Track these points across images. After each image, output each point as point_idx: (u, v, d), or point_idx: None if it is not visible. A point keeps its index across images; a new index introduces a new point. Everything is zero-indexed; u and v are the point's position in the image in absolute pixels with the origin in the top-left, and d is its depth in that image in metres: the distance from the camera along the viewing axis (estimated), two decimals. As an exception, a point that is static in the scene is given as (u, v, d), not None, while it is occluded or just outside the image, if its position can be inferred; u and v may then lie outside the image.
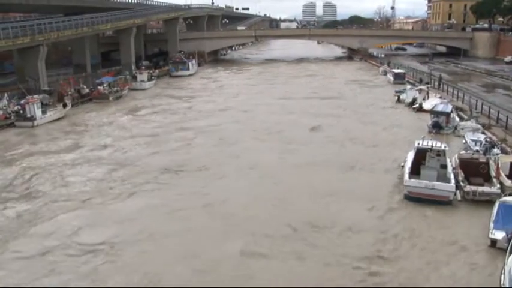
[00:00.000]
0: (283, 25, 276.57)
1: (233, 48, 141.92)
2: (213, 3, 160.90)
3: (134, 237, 20.11)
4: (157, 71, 77.26)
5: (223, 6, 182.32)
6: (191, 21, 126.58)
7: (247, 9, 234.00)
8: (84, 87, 55.74)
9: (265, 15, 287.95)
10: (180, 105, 53.36)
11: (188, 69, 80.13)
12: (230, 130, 39.97)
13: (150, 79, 66.65)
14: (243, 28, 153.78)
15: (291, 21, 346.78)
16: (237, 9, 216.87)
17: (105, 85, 55.60)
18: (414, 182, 23.79)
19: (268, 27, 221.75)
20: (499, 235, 18.72)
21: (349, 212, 22.70)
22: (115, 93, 55.83)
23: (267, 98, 56.41)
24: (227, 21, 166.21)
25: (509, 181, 24.14)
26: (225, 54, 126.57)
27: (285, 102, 52.71)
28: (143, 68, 72.09)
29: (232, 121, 43.76)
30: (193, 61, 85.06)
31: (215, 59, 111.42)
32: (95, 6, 73.84)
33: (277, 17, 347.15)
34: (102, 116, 46.47)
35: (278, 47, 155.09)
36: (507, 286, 14.51)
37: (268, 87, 65.22)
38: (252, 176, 28.19)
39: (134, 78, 65.65)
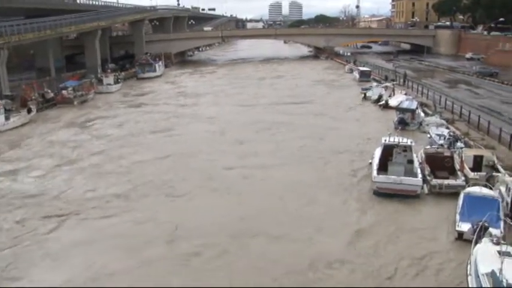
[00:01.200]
0: (249, 25, 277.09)
1: (200, 49, 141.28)
2: (178, 4, 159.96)
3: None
4: (123, 73, 76.12)
5: (190, 7, 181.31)
6: (157, 23, 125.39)
7: (214, 9, 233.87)
8: (49, 91, 54.40)
9: (231, 15, 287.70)
10: (140, 113, 49.61)
11: (155, 71, 79.39)
12: (191, 142, 36.11)
13: (116, 82, 65.67)
14: (210, 29, 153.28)
15: (257, 21, 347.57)
16: (203, 10, 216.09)
17: (69, 89, 54.43)
18: (382, 177, 24.25)
19: (235, 28, 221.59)
20: (465, 227, 19.22)
21: (320, 209, 22.97)
22: (80, 97, 54.75)
23: (233, 102, 54.42)
24: (193, 22, 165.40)
25: (473, 173, 24.82)
26: (191, 55, 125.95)
27: (251, 107, 50.74)
28: (109, 70, 71.01)
29: (194, 132, 39.66)
30: (160, 63, 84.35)
31: (182, 60, 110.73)
32: (58, 9, 72.50)
33: (244, 17, 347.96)
34: (44, 133, 40.61)
35: (245, 47, 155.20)
36: (473, 275, 14.86)
37: (234, 90, 63.52)
38: (212, 203, 24.40)
39: (100, 81, 64.57)
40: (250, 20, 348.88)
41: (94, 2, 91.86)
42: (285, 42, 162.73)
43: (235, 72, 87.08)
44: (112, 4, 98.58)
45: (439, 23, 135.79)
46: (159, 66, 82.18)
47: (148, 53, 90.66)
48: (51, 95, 54.01)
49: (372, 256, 18.53)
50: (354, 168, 28.86)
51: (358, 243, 19.65)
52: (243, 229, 20.70)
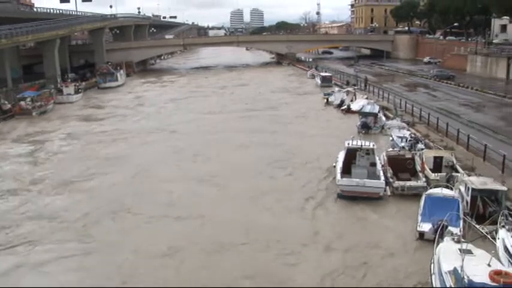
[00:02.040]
0: (211, 33, 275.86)
1: (162, 57, 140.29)
2: (139, 12, 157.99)
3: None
4: (84, 83, 74.75)
5: (151, 15, 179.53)
6: (118, 31, 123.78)
7: (175, 17, 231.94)
8: (6, 102, 52.88)
9: (193, 23, 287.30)
10: (98, 125, 47.38)
11: (116, 80, 78.20)
12: (148, 160, 33.10)
13: (77, 92, 64.32)
14: (171, 37, 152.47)
15: (219, 28, 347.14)
16: (164, 17, 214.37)
17: (28, 100, 52.96)
18: (346, 180, 24.55)
19: (197, 35, 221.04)
20: (426, 227, 19.62)
21: (284, 215, 22.98)
22: (39, 108, 53.27)
23: (194, 113, 51.81)
24: (155, 30, 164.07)
25: (434, 174, 25.44)
26: (153, 64, 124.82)
27: (214, 117, 48.78)
28: (69, 80, 69.63)
29: (152, 149, 36.39)
30: (122, 72, 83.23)
31: (144, 68, 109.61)
32: (13, 17, 70.53)
33: (205, 25, 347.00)
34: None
35: (207, 55, 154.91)
36: (437, 274, 15.15)
37: (197, 100, 61.61)
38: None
39: (60, 91, 63.16)
40: (212, 28, 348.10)
41: (52, 11, 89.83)
42: (247, 49, 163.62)
43: (198, 80, 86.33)
44: (71, 12, 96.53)
45: (399, 28, 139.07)
46: (121, 75, 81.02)
47: (109, 62, 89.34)
48: (9, 106, 52.46)
49: (335, 257, 18.69)
50: (318, 172, 29.05)
51: (322, 244, 19.80)
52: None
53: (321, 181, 27.50)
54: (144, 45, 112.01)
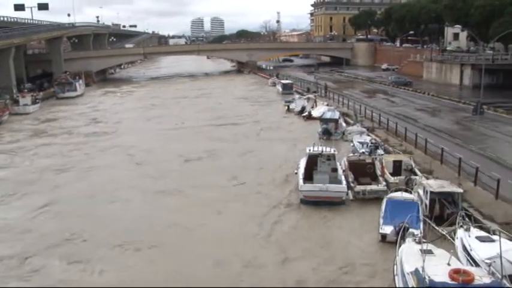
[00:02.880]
0: (172, 41, 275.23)
1: (122, 66, 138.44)
2: (98, 21, 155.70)
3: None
4: (41, 93, 72.89)
5: (110, 24, 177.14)
6: (76, 40, 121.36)
7: (135, 26, 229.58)
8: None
9: (153, 32, 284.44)
10: (53, 138, 45.21)
11: (75, 90, 76.58)
12: (101, 180, 30.55)
13: (34, 102, 62.69)
14: (131, 46, 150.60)
15: (179, 37, 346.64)
16: (124, 26, 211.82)
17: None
18: (308, 186, 24.78)
19: (157, 44, 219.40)
20: (388, 229, 20.01)
21: (246, 222, 23.00)
22: (-8, 119, 51.66)
23: (154, 126, 49.40)
24: (114, 39, 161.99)
25: (393, 178, 26.06)
26: (113, 73, 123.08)
27: (174, 130, 46.50)
28: (26, 90, 67.72)
29: (106, 167, 33.78)
30: (81, 81, 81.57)
31: (104, 78, 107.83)
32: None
33: (166, 34, 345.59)
34: None
35: (168, 64, 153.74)
36: (400, 275, 15.43)
37: (156, 111, 59.20)
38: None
39: (16, 102, 61.42)
40: (173, 37, 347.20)
41: (6, 19, 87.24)
42: (208, 57, 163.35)
43: (158, 90, 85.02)
44: (26, 21, 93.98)
45: (360, 36, 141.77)
46: (80, 85, 79.44)
47: (67, 71, 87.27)
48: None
49: (299, 263, 18.78)
50: (280, 179, 29.24)
51: (287, 248, 19.94)
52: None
53: (283, 187, 27.67)
54: (103, 55, 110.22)
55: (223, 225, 22.68)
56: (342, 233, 21.46)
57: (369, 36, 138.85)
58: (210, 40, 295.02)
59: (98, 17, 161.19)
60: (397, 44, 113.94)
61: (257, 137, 42.59)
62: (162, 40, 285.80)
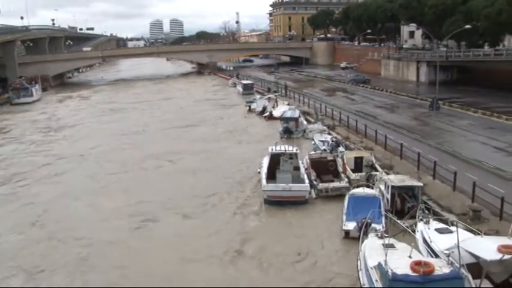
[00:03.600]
0: (130, 44, 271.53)
1: (80, 70, 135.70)
2: (54, 24, 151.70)
3: None
4: (-6, 99, 70.56)
5: (66, 27, 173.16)
6: (31, 44, 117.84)
7: (92, 29, 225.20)
8: None
9: (111, 34, 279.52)
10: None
11: (31, 95, 74.28)
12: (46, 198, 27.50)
13: (-14, 109, 60.52)
14: (89, 49, 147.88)
15: (138, 39, 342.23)
16: (81, 29, 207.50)
17: None
18: (271, 186, 24.80)
19: (116, 47, 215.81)
20: (351, 226, 20.25)
21: (210, 223, 22.86)
22: None
23: (111, 132, 47.11)
24: (71, 43, 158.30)
25: (354, 174, 26.43)
26: (71, 77, 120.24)
27: (133, 137, 44.24)
28: (-23, 97, 65.36)
29: (58, 181, 31.08)
30: (37, 86, 79.29)
31: (61, 82, 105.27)
32: None
33: (124, 36, 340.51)
34: None
35: (127, 67, 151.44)
36: (363, 270, 15.62)
37: (115, 116, 57.02)
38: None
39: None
40: (132, 39, 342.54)
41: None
42: (167, 59, 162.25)
43: (117, 94, 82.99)
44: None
45: (322, 36, 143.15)
46: (36, 90, 77.21)
47: (22, 76, 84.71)
48: None
49: (265, 261, 18.82)
50: (243, 179, 29.17)
51: (252, 248, 19.96)
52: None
53: (246, 188, 27.61)
54: (60, 58, 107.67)
55: (188, 226, 22.50)
56: (306, 231, 21.51)
57: (329, 35, 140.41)
58: (170, 42, 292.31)
59: (53, 19, 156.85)
60: (356, 43, 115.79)
61: (218, 138, 42.28)
62: (120, 43, 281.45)
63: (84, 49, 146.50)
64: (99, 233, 21.94)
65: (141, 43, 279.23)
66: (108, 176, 31.84)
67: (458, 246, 13.88)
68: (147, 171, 32.60)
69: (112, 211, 24.97)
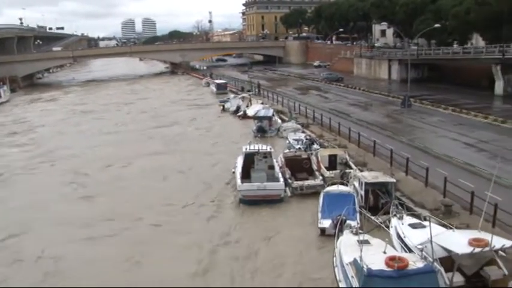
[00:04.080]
0: (102, 44, 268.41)
1: (51, 70, 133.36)
2: (22, 23, 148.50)
3: None
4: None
5: (35, 26, 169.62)
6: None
7: (62, 28, 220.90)
8: None
9: (82, 34, 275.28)
10: None
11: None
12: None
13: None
14: (59, 49, 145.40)
15: (110, 39, 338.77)
16: (50, 29, 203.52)
17: None
18: (246, 185, 24.79)
19: (87, 47, 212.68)
20: (326, 223, 20.37)
21: (187, 221, 22.80)
22: None
23: (82, 136, 45.08)
24: (41, 42, 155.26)
25: (329, 172, 26.62)
26: (41, 78, 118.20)
27: (107, 142, 41.97)
28: None
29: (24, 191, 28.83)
30: (5, 87, 77.73)
31: (31, 83, 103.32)
32: None
33: (96, 36, 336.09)
34: None
35: (99, 67, 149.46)
36: (339, 266, 15.75)
37: (86, 118, 55.25)
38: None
39: None
40: (103, 39, 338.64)
41: None
42: (140, 59, 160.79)
43: (89, 95, 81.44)
44: None
45: (296, 35, 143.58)
46: (4, 92, 75.71)
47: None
48: None
49: (240, 260, 18.82)
50: (217, 179, 29.01)
51: (227, 249, 19.91)
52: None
53: (221, 188, 27.49)
54: (29, 59, 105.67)
55: (161, 228, 22.31)
56: (281, 230, 21.56)
57: (304, 34, 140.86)
58: (142, 41, 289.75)
59: (21, 19, 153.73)
60: (328, 41, 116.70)
61: (192, 138, 42.02)
62: (92, 42, 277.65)
63: (54, 49, 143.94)
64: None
65: (113, 43, 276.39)
66: (76, 180, 30.89)
67: (431, 241, 14.12)
68: (116, 174, 31.93)
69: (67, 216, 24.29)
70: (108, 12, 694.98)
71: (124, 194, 27.59)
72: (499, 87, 55.55)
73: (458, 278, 13.98)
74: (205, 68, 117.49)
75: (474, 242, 13.48)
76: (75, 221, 23.41)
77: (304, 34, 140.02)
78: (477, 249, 13.29)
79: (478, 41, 72.47)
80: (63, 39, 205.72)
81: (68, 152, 38.41)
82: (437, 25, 55.63)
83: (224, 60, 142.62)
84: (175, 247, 20.17)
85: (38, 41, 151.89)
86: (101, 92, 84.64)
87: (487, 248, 13.41)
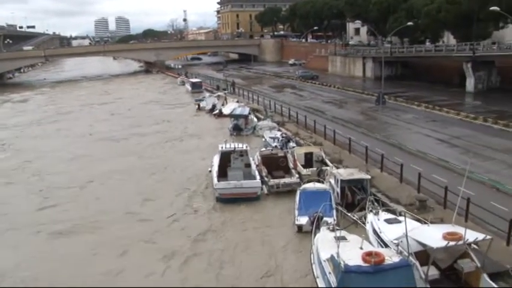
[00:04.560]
0: (75, 43, 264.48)
1: (22, 70, 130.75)
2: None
3: None
4: None
5: (4, 25, 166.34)
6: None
7: (33, 27, 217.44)
8: None
9: (54, 33, 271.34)
10: None
11: None
12: None
13: None
14: (30, 48, 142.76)
15: (83, 38, 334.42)
16: (21, 27, 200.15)
17: None
18: (223, 184, 24.75)
19: (59, 46, 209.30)
20: (303, 220, 20.48)
21: (163, 221, 22.60)
22: None
23: (54, 139, 42.91)
24: (11, 41, 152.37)
25: (305, 170, 26.74)
26: (11, 78, 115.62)
27: (78, 143, 40.69)
28: None
29: None
30: (-26, 88, 75.72)
31: (1, 83, 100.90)
32: None
33: (68, 35, 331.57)
34: None
35: (72, 67, 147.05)
36: (316, 263, 15.84)
37: (57, 123, 51.38)
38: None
39: None
40: (76, 37, 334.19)
41: None
42: (114, 58, 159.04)
43: (61, 95, 78.87)
44: None
45: (276, 33, 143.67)
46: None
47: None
48: None
49: (216, 259, 18.76)
50: (194, 178, 28.87)
51: (203, 247, 19.80)
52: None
53: (197, 187, 27.37)
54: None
55: (138, 229, 22.08)
56: (258, 227, 21.58)
57: (282, 32, 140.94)
58: (116, 40, 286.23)
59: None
60: (303, 39, 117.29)
61: (168, 138, 41.56)
62: (64, 41, 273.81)
63: (25, 48, 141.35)
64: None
65: (86, 42, 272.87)
66: (37, 184, 29.66)
67: (406, 236, 14.32)
68: (91, 175, 31.03)
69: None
70: (81, 11, 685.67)
71: (91, 196, 27.06)
72: (470, 84, 56.69)
73: (433, 272, 14.21)
74: (180, 66, 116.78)
75: (448, 236, 13.70)
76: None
77: (282, 32, 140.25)
78: (451, 243, 13.53)
79: (449, 39, 73.91)
80: (34, 38, 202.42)
81: (33, 155, 36.58)
82: (409, 23, 56.56)
83: (199, 59, 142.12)
84: (149, 249, 20.00)
85: (8, 40, 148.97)
86: (74, 93, 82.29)
87: (460, 242, 13.66)
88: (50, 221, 23.12)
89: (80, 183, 29.19)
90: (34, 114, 59.27)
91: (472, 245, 14.82)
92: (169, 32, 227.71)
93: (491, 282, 13.78)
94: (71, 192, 27.56)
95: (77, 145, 40.25)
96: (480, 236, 13.89)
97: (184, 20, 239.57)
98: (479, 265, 14.14)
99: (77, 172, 31.73)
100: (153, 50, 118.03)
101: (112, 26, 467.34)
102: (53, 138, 43.89)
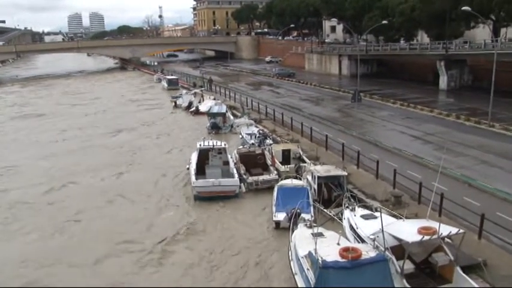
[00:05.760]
0: (47, 38, 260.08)
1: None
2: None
3: None
4: None
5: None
6: None
7: (3, 22, 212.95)
8: None
9: (25, 28, 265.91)
10: None
11: None
12: None
13: None
14: (1, 43, 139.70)
15: (56, 33, 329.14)
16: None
17: None
18: (201, 182, 24.71)
19: (31, 42, 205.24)
20: (281, 216, 20.63)
21: (141, 220, 22.48)
22: None
23: (23, 144, 39.64)
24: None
25: (283, 167, 26.93)
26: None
27: (50, 145, 38.63)
28: None
29: None
30: None
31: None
32: None
33: (41, 30, 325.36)
34: None
35: (45, 63, 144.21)
36: (294, 260, 16.01)
37: (29, 122, 49.54)
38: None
39: None
40: (49, 33, 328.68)
41: None
42: (88, 55, 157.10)
43: (33, 93, 75.86)
44: None
45: (259, 30, 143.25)
46: None
47: None
48: None
49: (195, 257, 18.74)
50: (172, 176, 28.80)
51: (181, 246, 19.77)
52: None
53: (175, 185, 27.32)
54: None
55: (116, 228, 21.96)
56: (237, 225, 21.69)
57: (266, 30, 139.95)
58: (90, 36, 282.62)
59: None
60: (280, 37, 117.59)
61: (144, 135, 41.27)
62: (36, 37, 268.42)
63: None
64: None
65: (60, 37, 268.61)
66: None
67: (382, 231, 14.60)
68: (66, 178, 29.90)
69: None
70: (53, 6, 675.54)
71: (66, 196, 26.73)
72: (443, 82, 57.80)
73: (409, 265, 14.53)
74: (156, 63, 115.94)
75: (423, 231, 14.02)
76: None
77: (266, 30, 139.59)
78: (426, 237, 13.85)
79: (423, 37, 75.12)
80: (4, 33, 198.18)
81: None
82: (384, 22, 57.31)
83: (175, 56, 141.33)
84: (124, 246, 19.93)
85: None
86: (47, 90, 79.68)
87: (435, 236, 14.00)
88: None
89: (45, 189, 27.73)
90: (2, 114, 56.03)
91: (446, 239, 15.21)
92: (144, 28, 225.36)
93: (464, 274, 14.18)
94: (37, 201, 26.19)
95: (47, 150, 37.02)
96: (453, 230, 14.25)
97: (160, 16, 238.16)
98: (452, 258, 14.51)
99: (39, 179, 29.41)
100: (128, 47, 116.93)
101: (86, 21, 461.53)
102: (16, 144, 39.77)
